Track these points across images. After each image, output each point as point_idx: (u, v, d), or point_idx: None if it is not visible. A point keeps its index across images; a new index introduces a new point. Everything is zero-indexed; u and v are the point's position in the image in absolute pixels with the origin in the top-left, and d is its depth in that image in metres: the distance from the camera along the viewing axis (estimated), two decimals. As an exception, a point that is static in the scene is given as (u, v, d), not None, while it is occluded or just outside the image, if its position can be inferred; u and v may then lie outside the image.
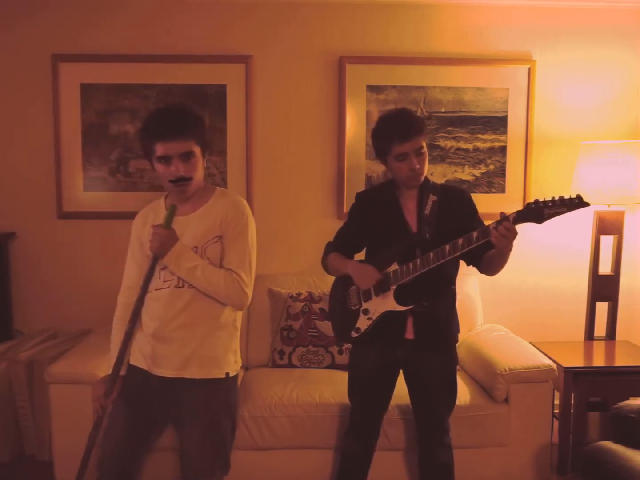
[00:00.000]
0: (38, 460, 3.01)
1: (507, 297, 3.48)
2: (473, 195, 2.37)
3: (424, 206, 2.24)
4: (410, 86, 3.37)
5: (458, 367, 2.41)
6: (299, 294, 3.15)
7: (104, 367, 2.18)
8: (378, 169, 3.39)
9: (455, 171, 3.43)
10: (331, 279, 3.20)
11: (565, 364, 2.88)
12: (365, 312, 2.29)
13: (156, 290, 2.02)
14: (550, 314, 3.51)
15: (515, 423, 2.72)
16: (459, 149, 3.42)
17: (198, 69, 3.31)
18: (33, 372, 2.99)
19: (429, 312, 2.23)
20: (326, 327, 3.06)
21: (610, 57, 3.42)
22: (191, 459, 2.04)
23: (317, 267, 3.39)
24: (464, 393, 2.71)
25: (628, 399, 2.55)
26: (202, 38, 3.32)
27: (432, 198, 2.25)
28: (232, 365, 2.08)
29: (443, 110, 3.39)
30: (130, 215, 2.24)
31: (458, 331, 2.37)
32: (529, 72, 3.38)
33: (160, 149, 1.94)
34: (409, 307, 2.20)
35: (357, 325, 2.31)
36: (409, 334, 2.25)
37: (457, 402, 2.41)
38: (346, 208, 3.38)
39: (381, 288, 2.23)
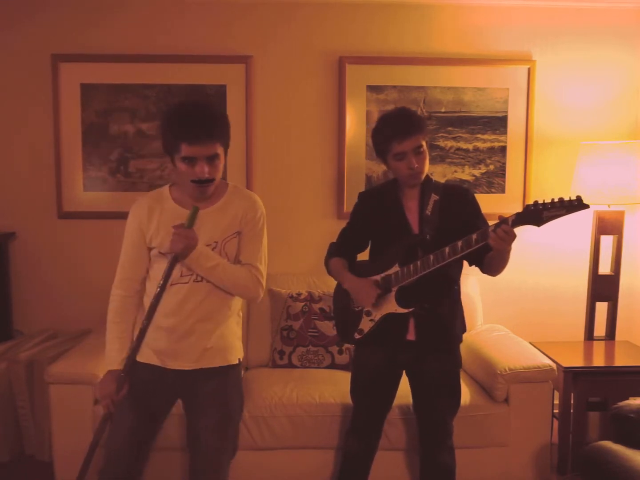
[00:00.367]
0: (38, 460, 3.01)
1: (507, 297, 3.48)
2: (473, 195, 2.37)
3: (426, 206, 2.23)
4: (410, 86, 3.37)
5: (458, 367, 2.41)
6: (299, 294, 3.15)
7: (105, 367, 2.16)
8: (378, 169, 3.39)
9: (455, 171, 3.43)
10: (331, 280, 3.20)
11: (565, 364, 2.88)
12: (368, 313, 2.29)
13: (172, 285, 2.01)
14: (550, 314, 3.51)
15: (515, 423, 2.72)
16: (458, 149, 3.42)
17: (198, 69, 3.31)
18: (33, 372, 2.99)
19: (431, 313, 2.22)
20: (326, 327, 3.06)
21: (610, 57, 3.42)
22: (208, 448, 2.07)
23: (317, 267, 3.40)
24: (464, 393, 2.69)
25: (628, 399, 2.54)
26: (202, 38, 3.32)
27: (434, 197, 2.24)
28: (240, 350, 2.20)
29: (443, 110, 3.39)
30: (131, 216, 2.23)
31: (464, 330, 2.36)
32: (529, 72, 3.38)
33: (186, 150, 1.90)
34: (410, 309, 2.21)
35: (360, 326, 2.31)
36: (411, 336, 2.25)
37: (457, 402, 2.41)
38: (346, 208, 3.39)
39: (381, 296, 2.23)
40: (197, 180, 1.94)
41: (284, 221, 3.44)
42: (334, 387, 2.79)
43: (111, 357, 2.06)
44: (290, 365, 3.06)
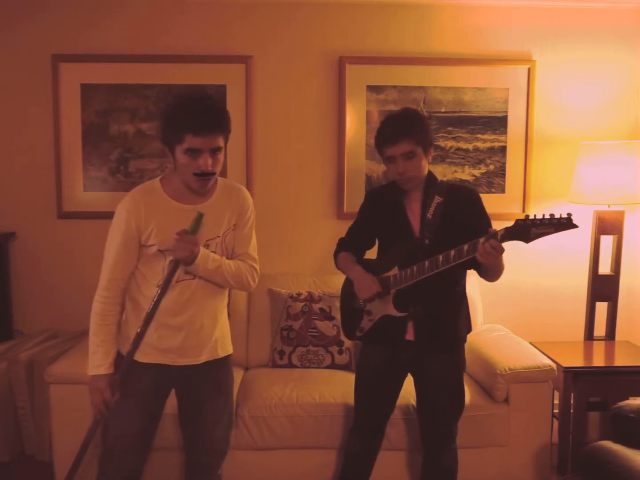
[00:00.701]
0: (38, 460, 3.01)
1: (507, 297, 3.48)
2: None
3: (428, 209, 2.21)
4: (410, 86, 3.37)
5: (459, 367, 2.41)
6: (299, 294, 3.15)
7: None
8: (378, 169, 3.39)
9: (455, 171, 3.43)
10: (331, 280, 3.23)
11: (565, 364, 2.88)
12: (369, 313, 2.30)
13: (178, 282, 1.99)
14: (550, 314, 3.51)
15: (515, 423, 2.72)
16: (458, 149, 3.42)
17: (198, 69, 3.31)
18: (33, 372, 2.99)
19: (429, 315, 2.22)
20: (326, 327, 3.06)
21: (610, 57, 3.42)
22: (213, 438, 2.12)
23: (317, 267, 3.42)
24: (464, 393, 2.72)
25: (628, 399, 2.55)
26: (202, 38, 3.32)
27: (437, 200, 2.22)
28: (230, 340, 2.21)
29: (443, 110, 3.39)
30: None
31: (469, 331, 2.36)
32: (529, 72, 3.38)
33: (191, 141, 1.87)
34: (405, 314, 2.21)
35: (362, 324, 2.32)
36: (410, 336, 2.25)
37: (458, 403, 2.41)
38: (346, 208, 3.39)
39: (379, 295, 2.23)
40: (200, 173, 1.92)
41: (284, 221, 3.44)
42: (334, 387, 2.79)
43: (97, 360, 2.00)
44: (290, 365, 3.06)
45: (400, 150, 2.14)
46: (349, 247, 2.42)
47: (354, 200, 3.34)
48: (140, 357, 2.04)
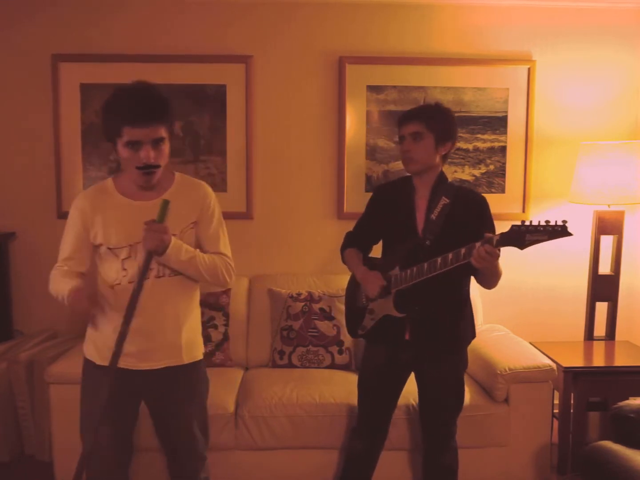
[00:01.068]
0: (38, 460, 3.01)
1: (507, 297, 3.47)
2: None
3: (433, 209, 2.21)
4: (410, 86, 3.37)
5: (459, 367, 2.41)
6: (299, 294, 3.15)
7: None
8: (378, 169, 3.39)
9: (455, 171, 3.43)
10: (331, 280, 3.23)
11: (565, 364, 2.88)
12: (371, 312, 2.31)
13: (131, 283, 1.91)
14: (550, 314, 3.51)
15: (515, 423, 2.72)
16: (458, 149, 3.41)
17: (198, 69, 3.31)
18: (33, 372, 2.99)
19: (428, 316, 2.22)
20: (326, 327, 3.06)
21: (610, 57, 3.42)
22: (185, 446, 2.06)
23: (317, 267, 3.43)
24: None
25: (628, 399, 2.55)
26: (202, 38, 3.32)
27: (444, 201, 2.20)
28: (202, 346, 2.13)
29: (443, 110, 3.39)
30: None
31: (472, 335, 2.36)
32: (529, 72, 3.38)
33: (130, 134, 1.81)
34: (403, 315, 2.21)
35: (364, 323, 2.33)
36: (409, 336, 2.25)
37: (458, 403, 2.41)
38: (346, 208, 3.39)
39: (384, 290, 2.23)
40: (143, 167, 1.85)
41: (284, 221, 3.44)
42: (334, 387, 2.79)
43: (66, 283, 1.93)
44: (290, 365, 3.06)
45: (409, 130, 2.20)
46: (356, 241, 2.42)
47: (354, 200, 3.34)
48: (100, 360, 1.97)
